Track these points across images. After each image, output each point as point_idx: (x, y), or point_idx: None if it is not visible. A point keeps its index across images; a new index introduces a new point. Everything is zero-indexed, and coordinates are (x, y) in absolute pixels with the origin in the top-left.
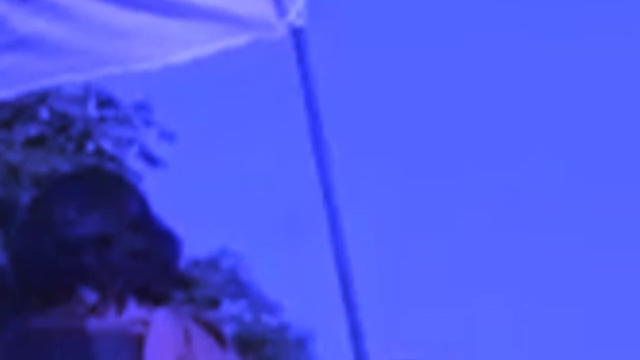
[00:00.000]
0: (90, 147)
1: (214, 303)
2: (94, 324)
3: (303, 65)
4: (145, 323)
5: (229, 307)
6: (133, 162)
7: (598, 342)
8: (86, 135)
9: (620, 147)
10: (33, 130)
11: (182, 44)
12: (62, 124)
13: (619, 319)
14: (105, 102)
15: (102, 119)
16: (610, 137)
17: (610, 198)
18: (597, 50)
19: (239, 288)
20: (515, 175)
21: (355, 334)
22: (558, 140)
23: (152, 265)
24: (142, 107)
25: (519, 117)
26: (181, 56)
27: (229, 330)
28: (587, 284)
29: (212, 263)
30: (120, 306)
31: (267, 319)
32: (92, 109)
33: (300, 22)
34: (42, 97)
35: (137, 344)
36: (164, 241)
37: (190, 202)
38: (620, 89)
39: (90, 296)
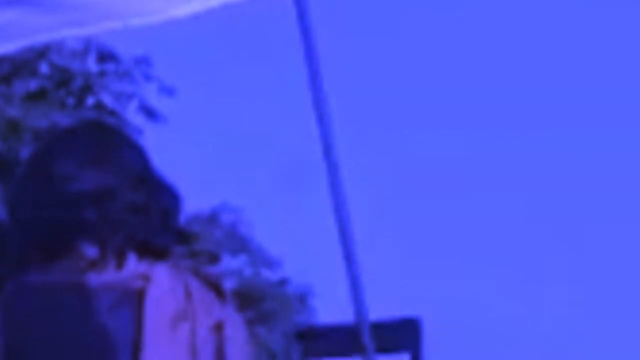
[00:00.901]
0: (90, 101)
1: (214, 258)
2: (94, 278)
3: (303, 21)
4: (146, 277)
5: (229, 262)
6: (133, 116)
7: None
8: (86, 89)
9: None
10: (33, 84)
11: None
12: (62, 78)
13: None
14: (106, 56)
15: (102, 74)
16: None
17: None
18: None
19: (239, 243)
20: (518, 129)
21: (355, 289)
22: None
23: (152, 220)
24: (142, 61)
25: (524, 70)
26: (181, 11)
27: (228, 284)
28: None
29: (212, 218)
30: (121, 261)
31: (267, 274)
32: (92, 64)
33: None
34: (42, 52)
35: (137, 298)
36: (164, 196)
37: (191, 157)
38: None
39: (91, 251)
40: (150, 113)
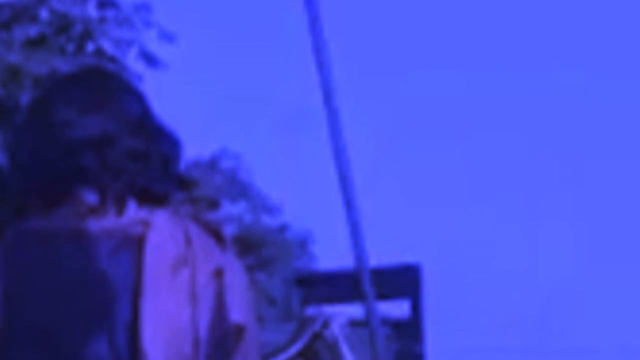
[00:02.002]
0: (90, 47)
1: (214, 204)
2: (94, 225)
3: None
4: (146, 224)
5: (229, 208)
6: (133, 62)
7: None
8: (86, 36)
9: None
10: (33, 31)
11: None
12: (62, 24)
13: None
14: (106, 3)
15: (102, 20)
16: None
17: None
18: None
19: (239, 189)
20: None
21: (355, 235)
22: None
23: (152, 167)
24: (142, 7)
25: (523, 11)
26: None
27: (229, 231)
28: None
29: (212, 164)
30: (121, 207)
31: (267, 220)
32: (92, 10)
33: None
34: None
35: (137, 244)
36: (164, 142)
37: (191, 103)
38: None
39: (90, 197)
40: (150, 59)
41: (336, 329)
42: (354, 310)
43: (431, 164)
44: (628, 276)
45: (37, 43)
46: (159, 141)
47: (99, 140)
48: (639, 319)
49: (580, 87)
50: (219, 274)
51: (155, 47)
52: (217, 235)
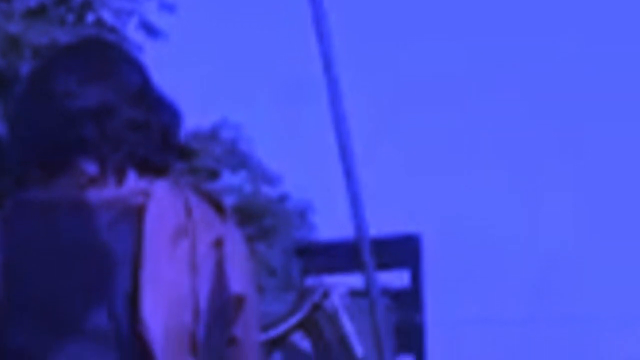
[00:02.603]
0: (90, 18)
1: (214, 174)
2: (94, 195)
3: None
4: (146, 194)
5: (229, 178)
6: (133, 33)
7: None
8: (86, 6)
9: None
10: (33, 1)
11: None
12: None
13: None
14: None
15: None
16: None
17: None
18: None
19: (239, 159)
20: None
21: (355, 205)
22: None
23: (152, 137)
24: None
25: None
26: None
27: (229, 201)
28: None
29: (213, 134)
30: (121, 177)
31: (267, 190)
32: None
33: None
34: None
35: (137, 214)
36: (165, 112)
37: (191, 73)
38: None
39: (90, 168)
40: (150, 30)
41: (336, 299)
42: (354, 280)
43: (431, 133)
44: (628, 245)
45: (37, 13)
46: (159, 112)
47: (99, 110)
48: (636, 287)
49: (580, 53)
50: (219, 244)
51: (155, 17)
52: (217, 206)
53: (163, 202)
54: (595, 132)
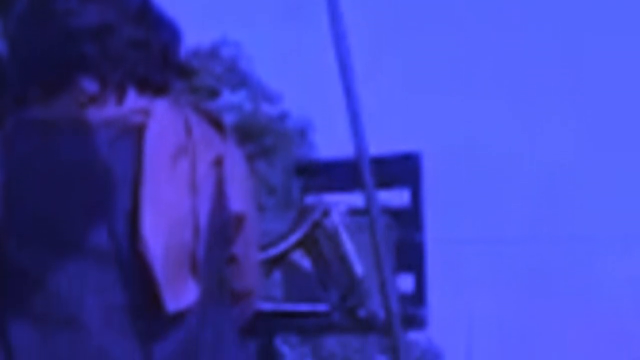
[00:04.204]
0: None
1: (214, 93)
2: (94, 114)
3: None
4: (146, 112)
5: (229, 97)
6: None
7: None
8: None
9: None
10: None
11: None
12: None
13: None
14: None
15: None
16: None
17: None
18: None
19: (239, 78)
20: None
21: (355, 123)
22: None
23: (153, 56)
24: None
25: None
26: None
27: (229, 119)
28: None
29: (213, 53)
30: (121, 96)
31: (267, 109)
32: None
33: None
34: None
35: (137, 133)
36: (165, 31)
37: None
38: None
39: (91, 86)
40: None
41: (336, 218)
42: (354, 198)
43: (432, 53)
44: (628, 165)
45: None
46: (159, 30)
47: (99, 28)
48: (635, 207)
49: None
50: (219, 162)
51: None
52: (217, 124)
53: (163, 120)
54: (595, 47)
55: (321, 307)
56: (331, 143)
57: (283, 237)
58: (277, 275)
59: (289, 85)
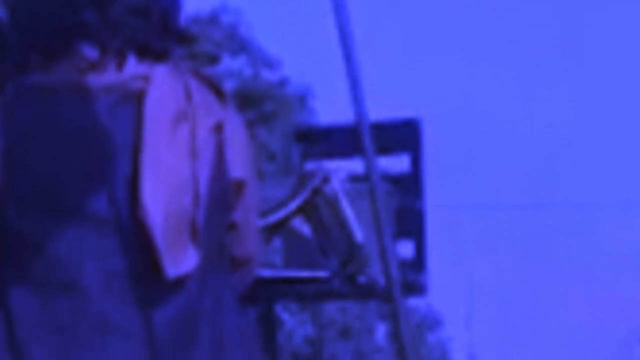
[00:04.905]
0: None
1: (214, 59)
2: (94, 80)
3: None
4: (146, 79)
5: (229, 63)
6: None
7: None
8: None
9: None
10: None
11: None
12: None
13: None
14: None
15: None
16: None
17: None
18: None
19: (239, 44)
20: None
21: (355, 89)
22: None
23: (152, 22)
24: None
25: None
26: None
27: (229, 85)
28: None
29: (213, 19)
30: (121, 62)
31: (267, 75)
32: None
33: None
34: None
35: (137, 99)
36: None
37: None
38: None
39: (91, 52)
40: None
41: (336, 184)
42: (354, 165)
43: (432, 19)
44: (628, 130)
45: None
46: None
47: None
48: (635, 174)
49: None
50: (219, 128)
51: None
52: (217, 90)
53: (163, 86)
54: (595, 11)
55: (321, 274)
56: (331, 109)
57: (283, 203)
58: (276, 241)
59: (289, 51)
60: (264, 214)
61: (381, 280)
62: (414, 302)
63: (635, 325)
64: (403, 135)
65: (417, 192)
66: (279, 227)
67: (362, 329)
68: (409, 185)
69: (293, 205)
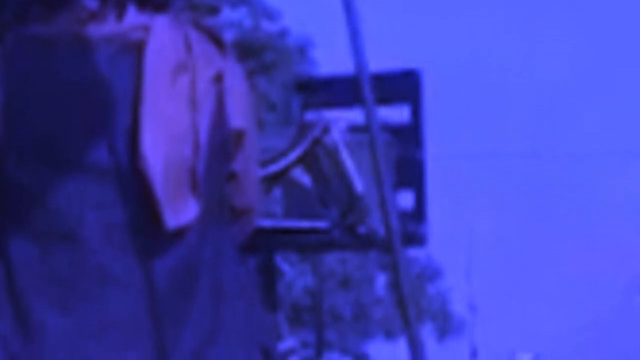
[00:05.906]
0: None
1: (214, 10)
2: (93, 30)
3: None
4: (146, 29)
5: (229, 14)
6: None
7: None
8: None
9: None
10: None
11: None
12: None
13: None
14: None
15: None
16: None
17: None
18: None
19: None
20: None
21: (355, 40)
22: None
23: None
24: None
25: None
26: None
27: (229, 36)
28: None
29: None
30: (121, 12)
31: (267, 25)
32: None
33: None
34: None
35: (137, 50)
36: None
37: None
38: None
39: (91, 3)
40: None
41: (336, 134)
42: (354, 115)
43: None
44: (627, 80)
45: None
46: None
47: None
48: (636, 123)
49: None
50: (218, 79)
51: None
52: (217, 41)
53: (163, 37)
54: None
55: (321, 224)
56: (331, 59)
57: (283, 153)
58: (277, 191)
59: (289, 1)
60: (264, 164)
61: (381, 230)
62: (414, 252)
63: (636, 276)
64: (403, 86)
65: (416, 143)
66: (279, 177)
67: (362, 279)
68: (409, 136)
69: (293, 155)
